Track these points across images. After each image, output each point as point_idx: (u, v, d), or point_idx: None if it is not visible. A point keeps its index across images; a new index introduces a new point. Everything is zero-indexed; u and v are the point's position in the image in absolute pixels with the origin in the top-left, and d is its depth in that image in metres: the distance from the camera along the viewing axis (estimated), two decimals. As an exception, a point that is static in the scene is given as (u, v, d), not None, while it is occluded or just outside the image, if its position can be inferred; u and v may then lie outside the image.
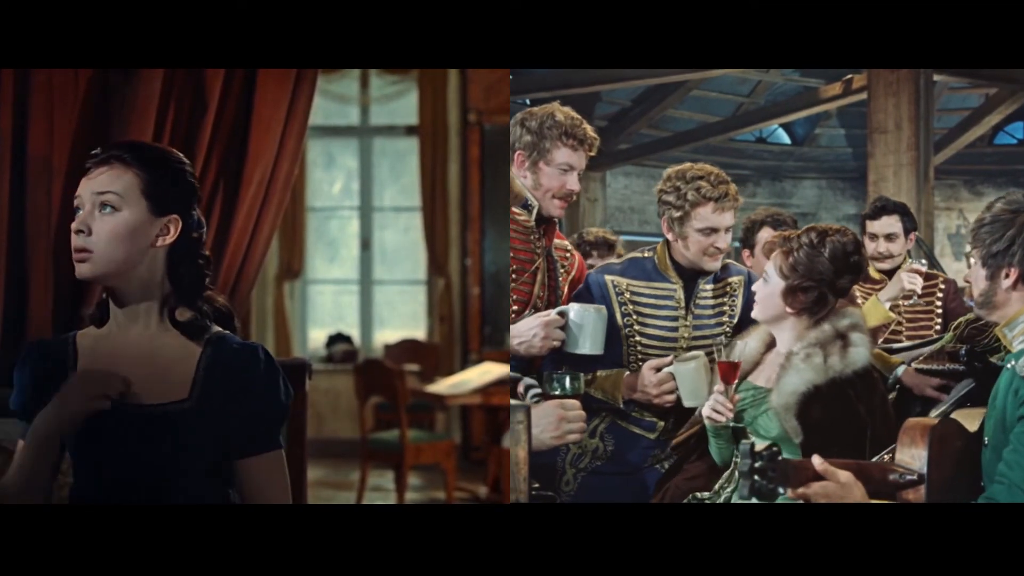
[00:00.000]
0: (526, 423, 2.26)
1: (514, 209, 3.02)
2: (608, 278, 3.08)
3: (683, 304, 3.05)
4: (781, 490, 1.96)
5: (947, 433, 2.22)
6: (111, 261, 1.99)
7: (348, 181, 8.96)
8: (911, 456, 2.14)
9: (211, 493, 2.04)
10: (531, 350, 2.86)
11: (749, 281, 3.05)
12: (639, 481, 3.04)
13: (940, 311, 3.95)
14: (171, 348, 2.03)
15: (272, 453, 2.06)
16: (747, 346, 2.71)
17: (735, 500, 2.64)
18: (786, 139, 11.81)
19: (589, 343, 2.87)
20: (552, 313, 2.87)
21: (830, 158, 11.71)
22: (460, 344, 8.48)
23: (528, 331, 2.85)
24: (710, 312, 3.07)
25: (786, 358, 2.59)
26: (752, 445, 1.95)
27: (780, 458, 1.97)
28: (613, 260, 3.23)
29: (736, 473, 2.69)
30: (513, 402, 2.32)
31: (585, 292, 3.09)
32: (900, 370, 3.16)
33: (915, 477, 2.12)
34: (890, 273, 3.93)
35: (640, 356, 3.03)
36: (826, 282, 2.59)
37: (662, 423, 3.04)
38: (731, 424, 2.62)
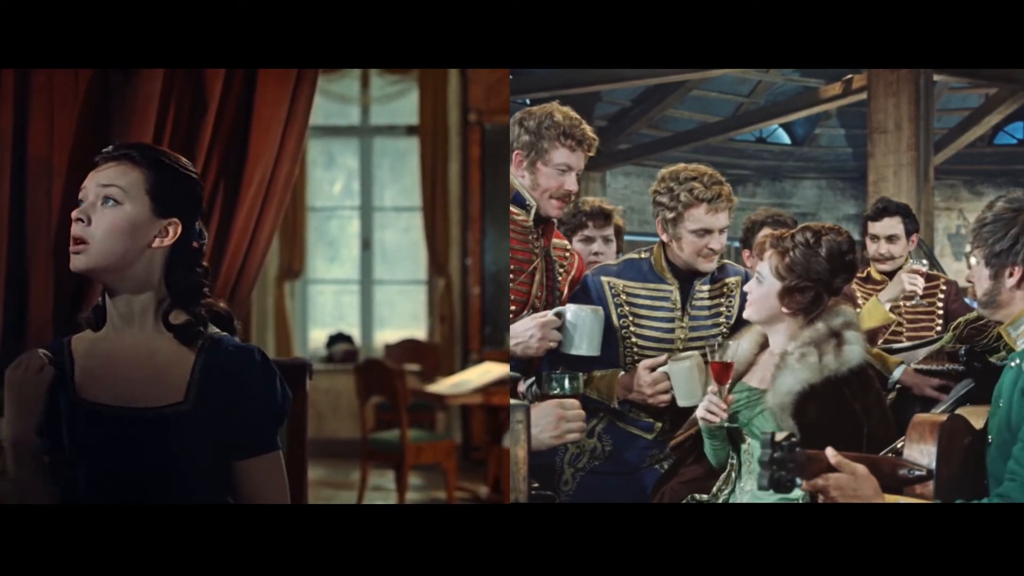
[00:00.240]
0: (526, 423, 2.25)
1: (513, 209, 3.02)
2: (604, 279, 3.08)
3: (679, 305, 3.04)
4: (799, 481, 1.96)
5: (955, 429, 2.22)
6: (107, 254, 1.99)
7: (348, 181, 8.96)
8: (920, 452, 2.14)
9: (209, 495, 2.03)
10: (527, 351, 2.86)
11: (747, 281, 3.05)
12: (637, 481, 3.04)
13: (941, 312, 3.95)
14: (167, 351, 2.03)
15: (270, 455, 2.06)
16: (740, 347, 2.70)
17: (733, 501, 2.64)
18: (786, 139, 11.81)
19: (586, 344, 2.87)
20: (549, 314, 2.87)
21: (830, 158, 11.72)
22: (460, 344, 8.48)
23: (525, 332, 2.85)
24: (707, 313, 3.06)
25: (780, 358, 2.58)
26: (772, 435, 1.94)
27: (798, 449, 1.96)
28: (610, 263, 3.21)
29: (733, 474, 2.69)
30: (513, 402, 2.31)
31: (582, 293, 3.08)
32: (900, 370, 3.16)
33: (924, 473, 2.12)
34: (891, 274, 3.93)
35: (636, 357, 3.02)
36: (822, 282, 2.59)
37: (659, 424, 3.04)
38: (725, 425, 2.61)
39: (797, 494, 2.27)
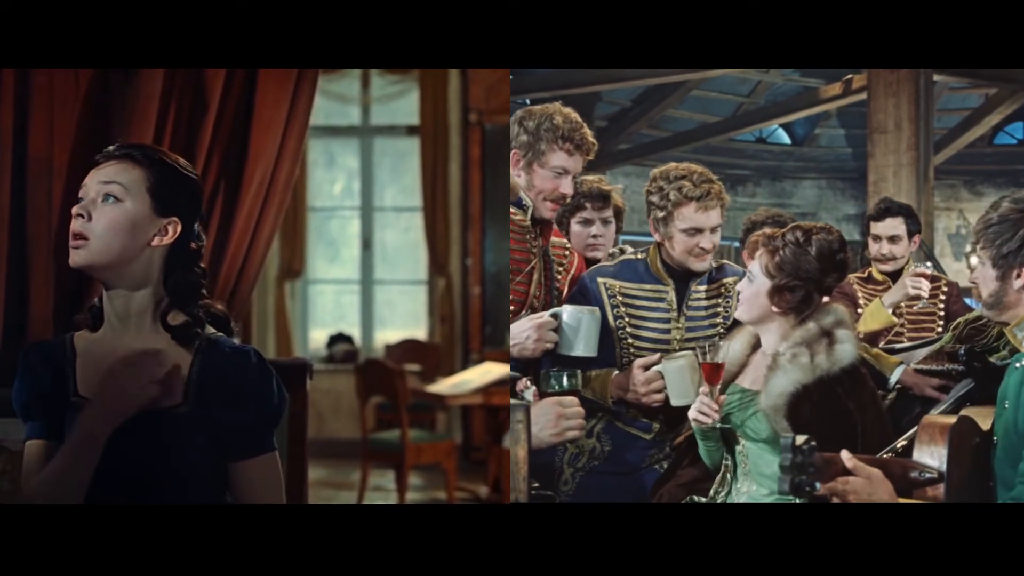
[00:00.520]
0: (526, 423, 2.25)
1: (511, 208, 3.01)
2: (601, 280, 3.07)
3: (675, 306, 3.03)
4: (818, 485, 1.95)
5: (964, 430, 2.22)
6: (107, 250, 1.99)
7: (349, 181, 8.96)
8: (930, 454, 2.14)
9: (207, 496, 2.03)
10: (524, 352, 2.85)
11: None
12: (637, 481, 3.03)
13: (942, 313, 3.94)
14: (164, 352, 2.02)
15: (266, 456, 2.06)
16: (732, 348, 2.69)
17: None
18: (786, 139, 11.80)
19: (582, 345, 2.86)
20: (545, 315, 2.86)
21: (830, 158, 11.71)
22: (461, 344, 8.48)
23: (521, 333, 2.84)
24: (703, 313, 3.05)
25: (772, 359, 2.57)
26: (793, 439, 1.93)
27: (817, 453, 1.96)
28: (607, 264, 3.19)
29: (728, 475, 2.69)
30: (513, 402, 2.31)
31: (578, 294, 3.08)
32: (900, 370, 3.16)
33: (935, 475, 2.11)
34: (892, 275, 3.92)
35: (633, 358, 3.01)
36: (813, 281, 2.57)
37: (656, 424, 3.04)
38: (718, 425, 2.61)
39: None
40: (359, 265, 8.91)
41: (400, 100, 8.64)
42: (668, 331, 3.03)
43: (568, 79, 7.93)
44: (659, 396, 2.90)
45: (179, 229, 2.05)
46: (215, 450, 2.02)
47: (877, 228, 3.97)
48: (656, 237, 3.02)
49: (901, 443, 2.57)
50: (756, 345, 2.70)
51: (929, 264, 3.82)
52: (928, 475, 2.12)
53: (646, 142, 10.75)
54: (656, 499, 2.81)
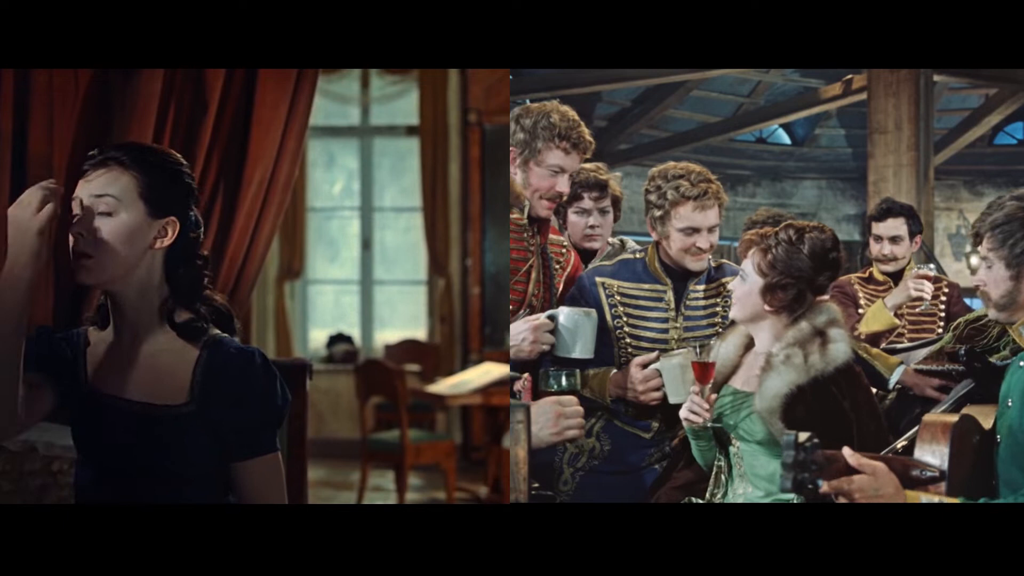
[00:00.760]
0: (526, 423, 2.25)
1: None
2: (599, 280, 3.07)
3: (673, 306, 3.02)
4: (820, 483, 1.95)
5: (966, 429, 2.21)
6: (111, 265, 1.99)
7: (348, 181, 8.96)
8: (932, 453, 2.13)
9: (210, 495, 2.04)
10: (520, 354, 2.84)
11: None
12: (637, 480, 3.03)
13: (943, 314, 3.93)
14: (169, 351, 2.03)
15: (268, 456, 2.06)
16: (724, 349, 2.68)
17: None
18: (786, 139, 11.80)
19: (579, 347, 2.86)
20: (541, 317, 2.86)
21: (830, 158, 11.71)
22: (460, 344, 8.48)
23: (518, 335, 2.84)
24: (702, 313, 3.04)
25: (766, 360, 2.55)
26: (795, 437, 1.92)
27: (820, 451, 1.95)
28: (605, 263, 3.18)
29: (723, 476, 2.68)
30: (513, 402, 2.31)
31: (576, 293, 3.07)
32: (900, 370, 3.16)
33: (936, 474, 2.11)
34: (894, 275, 3.92)
35: (631, 358, 3.00)
36: (805, 279, 2.56)
37: (656, 424, 3.03)
38: (710, 425, 2.60)
39: (791, 495, 2.26)
40: (359, 265, 8.91)
41: (400, 100, 8.64)
42: (666, 331, 3.02)
43: (568, 79, 7.93)
44: (657, 394, 2.90)
45: (178, 228, 2.05)
46: (218, 450, 2.02)
47: (879, 228, 3.96)
48: (654, 236, 3.02)
49: (901, 443, 2.57)
50: (748, 346, 2.69)
51: (932, 266, 3.82)
52: (929, 474, 2.11)
53: (646, 142, 10.75)
54: (654, 501, 2.81)
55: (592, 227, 3.51)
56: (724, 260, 3.16)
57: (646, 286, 3.04)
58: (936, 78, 7.69)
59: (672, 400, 2.83)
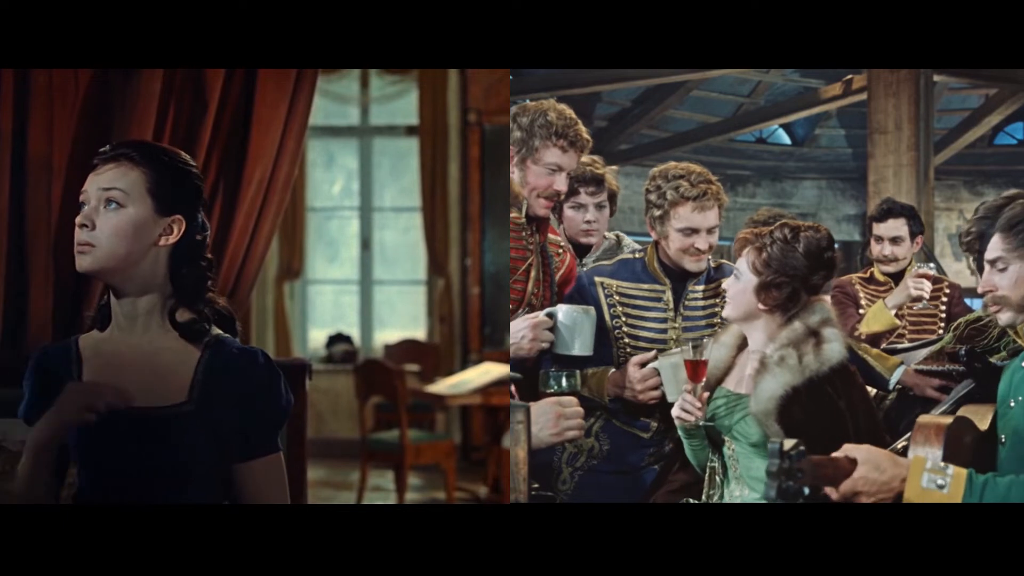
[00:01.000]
0: (526, 423, 2.25)
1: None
2: (598, 279, 3.06)
3: (671, 306, 3.02)
4: (806, 491, 1.94)
5: (960, 431, 2.21)
6: (113, 256, 1.99)
7: (348, 181, 8.96)
8: (926, 455, 2.13)
9: (211, 496, 2.03)
10: (519, 352, 2.84)
11: None
12: (635, 480, 3.03)
13: (944, 315, 3.93)
14: (171, 351, 2.04)
15: (271, 456, 2.06)
16: (716, 351, 2.67)
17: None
18: (786, 139, 11.79)
19: (578, 344, 2.85)
20: (540, 315, 2.86)
21: (830, 158, 11.70)
22: (460, 344, 8.48)
23: (517, 333, 2.84)
24: (701, 313, 3.03)
25: (760, 362, 2.54)
26: (780, 445, 1.91)
27: (806, 457, 1.95)
28: (604, 263, 3.18)
29: (718, 478, 2.68)
30: (513, 402, 2.31)
31: (575, 293, 3.07)
32: (900, 371, 3.15)
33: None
34: (894, 276, 3.92)
35: (629, 358, 2.99)
36: (799, 278, 2.56)
37: (655, 423, 3.03)
38: (702, 423, 2.60)
39: None
40: (358, 265, 8.91)
41: (399, 100, 8.64)
42: (665, 331, 3.02)
43: (568, 79, 7.92)
44: (655, 393, 2.90)
45: (183, 227, 2.05)
46: (219, 450, 2.02)
47: (879, 229, 3.96)
48: (653, 236, 3.02)
49: (901, 444, 2.57)
50: (741, 347, 2.69)
51: (931, 264, 3.81)
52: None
53: (646, 142, 10.74)
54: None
55: (589, 222, 3.50)
56: (724, 260, 3.16)
57: (645, 286, 3.04)
58: (936, 78, 7.68)
59: (670, 399, 2.82)
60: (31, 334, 2.47)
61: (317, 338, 8.94)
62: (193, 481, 2.01)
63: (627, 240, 3.63)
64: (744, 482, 2.59)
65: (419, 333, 8.63)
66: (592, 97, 9.66)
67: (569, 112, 2.98)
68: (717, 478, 2.66)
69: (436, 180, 8.41)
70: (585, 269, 3.19)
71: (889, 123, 7.22)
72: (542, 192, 2.97)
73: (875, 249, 3.98)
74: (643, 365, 2.91)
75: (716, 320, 3.03)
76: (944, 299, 3.94)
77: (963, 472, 2.02)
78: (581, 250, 3.48)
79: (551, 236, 3.14)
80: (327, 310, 9.09)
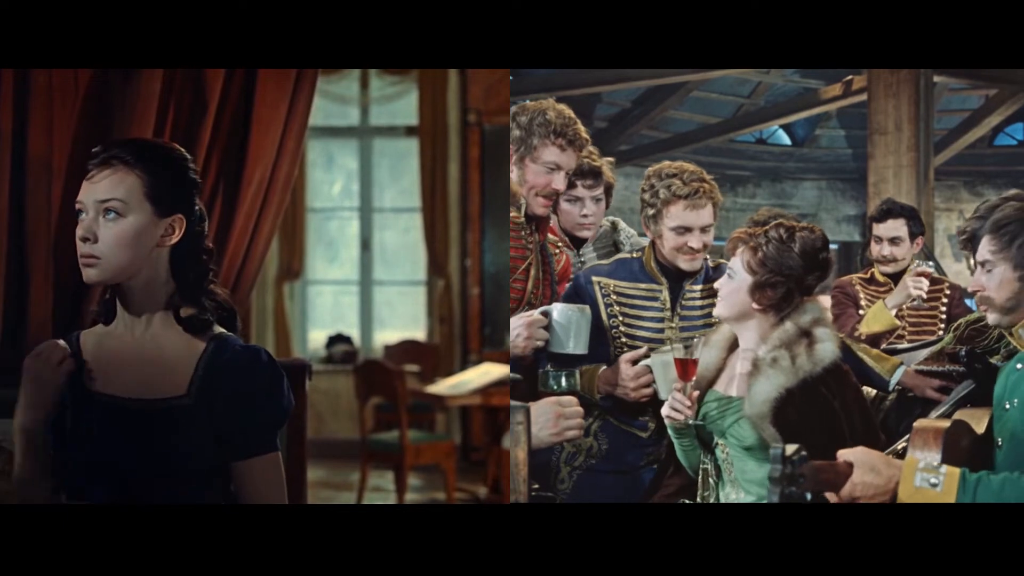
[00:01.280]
0: (526, 424, 2.25)
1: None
2: (595, 279, 3.06)
3: (668, 305, 3.02)
4: (808, 496, 1.94)
5: (957, 434, 2.20)
6: (118, 266, 1.99)
7: (348, 182, 8.96)
8: (924, 458, 2.12)
9: (209, 492, 2.03)
10: (514, 350, 2.84)
11: None
12: (634, 480, 3.03)
13: (944, 316, 3.92)
14: (174, 344, 2.04)
15: (269, 455, 2.06)
16: (707, 353, 2.66)
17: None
18: (786, 140, 11.79)
19: (573, 342, 2.85)
20: (535, 313, 2.86)
21: (830, 159, 11.70)
22: (460, 345, 8.48)
23: (513, 331, 2.84)
24: (698, 313, 3.02)
25: (753, 365, 2.53)
26: (782, 451, 1.91)
27: (807, 463, 1.94)
28: (602, 263, 3.17)
29: (711, 480, 2.67)
30: (513, 403, 2.31)
31: (572, 293, 3.07)
32: (900, 371, 3.15)
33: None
34: (894, 276, 3.92)
35: None
36: (794, 278, 2.55)
37: (653, 423, 3.03)
38: (691, 423, 2.60)
39: None
40: (358, 266, 8.91)
41: (399, 101, 8.64)
42: (662, 330, 3.01)
43: (568, 80, 7.92)
44: (647, 391, 2.89)
45: (184, 225, 2.05)
46: (217, 447, 2.01)
47: (879, 229, 3.96)
48: (648, 235, 3.02)
49: (901, 445, 2.56)
50: (731, 348, 2.68)
51: (930, 263, 3.81)
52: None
53: (646, 143, 10.74)
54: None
55: (585, 216, 3.47)
56: (723, 260, 3.15)
57: (642, 285, 3.04)
58: (936, 79, 7.69)
59: (662, 397, 2.81)
60: (31, 334, 2.46)
61: (317, 339, 8.94)
62: (190, 479, 2.00)
63: (622, 225, 3.60)
64: (739, 485, 2.58)
65: (419, 334, 8.63)
66: (592, 98, 9.66)
67: (568, 112, 2.98)
68: (710, 480, 2.66)
69: (436, 180, 8.41)
70: (583, 269, 3.19)
71: (889, 124, 7.22)
72: (540, 191, 2.97)
73: (874, 249, 3.98)
74: (635, 362, 2.91)
75: (714, 320, 3.02)
76: (945, 300, 3.94)
77: (956, 471, 2.02)
78: (577, 241, 3.47)
79: (550, 236, 3.14)
80: (327, 311, 9.09)
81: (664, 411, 2.62)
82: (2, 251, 2.47)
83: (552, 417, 2.47)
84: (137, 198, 2.00)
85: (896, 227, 3.93)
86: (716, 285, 2.68)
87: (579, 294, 3.04)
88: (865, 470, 2.03)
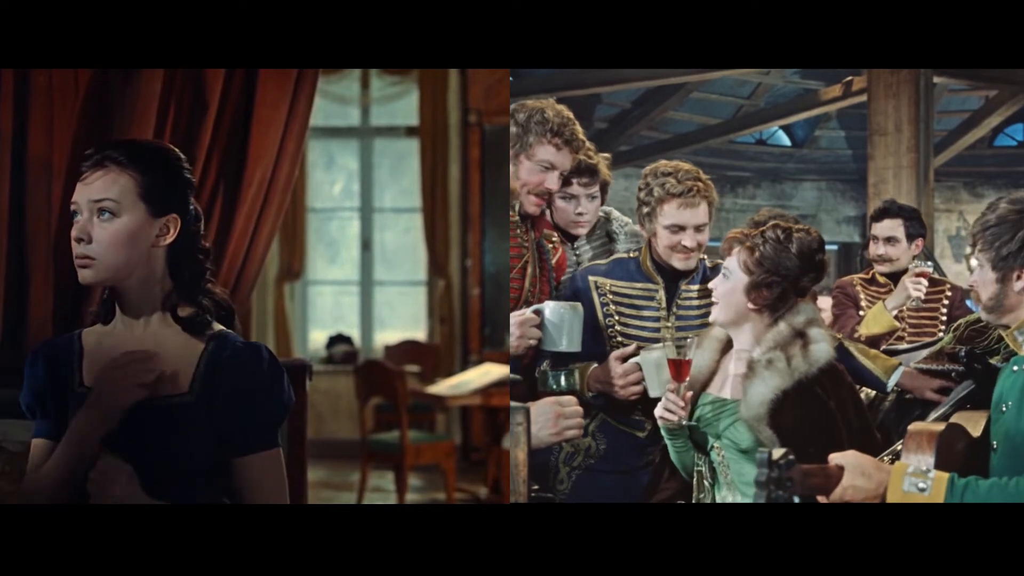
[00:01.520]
0: (526, 425, 2.25)
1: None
2: (592, 279, 3.06)
3: (664, 305, 3.02)
4: (796, 500, 1.94)
5: (952, 437, 2.20)
6: (113, 266, 2.00)
7: (348, 182, 8.96)
8: (918, 462, 2.13)
9: (211, 489, 2.04)
10: (514, 351, 2.84)
11: None
12: (632, 480, 3.03)
13: (944, 317, 3.92)
14: (173, 343, 2.04)
15: (270, 452, 2.06)
16: (700, 356, 2.65)
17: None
18: (786, 141, 11.79)
19: (566, 340, 2.85)
20: (527, 312, 2.86)
21: (830, 160, 11.70)
22: (460, 345, 8.48)
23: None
24: (695, 313, 3.02)
25: (748, 367, 2.53)
26: (769, 454, 1.91)
27: (795, 466, 1.94)
28: (599, 263, 3.17)
29: (706, 482, 2.67)
30: (513, 403, 2.31)
31: (569, 293, 3.07)
32: (899, 372, 3.15)
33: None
34: (893, 276, 3.91)
35: None
36: (791, 279, 2.55)
37: (650, 424, 3.02)
38: (685, 423, 2.59)
39: None
40: (358, 266, 8.91)
41: (399, 101, 8.64)
42: (658, 330, 3.01)
43: (568, 80, 7.92)
44: (637, 388, 2.88)
45: (179, 224, 2.05)
46: (218, 444, 2.02)
47: (875, 228, 3.96)
48: (644, 234, 3.02)
49: (900, 446, 2.56)
50: (724, 351, 2.67)
51: (929, 263, 3.81)
52: None
53: (646, 144, 10.74)
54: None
55: (580, 214, 3.41)
56: (720, 261, 3.15)
57: (639, 285, 3.04)
58: (936, 80, 7.68)
59: (652, 394, 2.81)
60: (31, 334, 2.47)
61: (317, 339, 8.95)
62: (191, 473, 2.01)
63: (616, 214, 3.57)
64: (735, 487, 2.58)
65: (419, 334, 8.63)
66: (592, 99, 9.65)
67: (566, 112, 2.98)
68: (705, 482, 2.65)
69: (436, 181, 8.41)
70: (580, 269, 3.18)
71: (889, 125, 7.22)
72: (533, 188, 2.97)
73: (872, 249, 3.98)
74: (624, 360, 2.90)
75: (710, 321, 3.02)
76: (946, 301, 3.93)
77: (945, 476, 2.03)
78: (571, 238, 3.47)
79: (546, 231, 3.14)
80: (327, 311, 9.09)
81: (657, 412, 2.62)
82: (2, 251, 2.47)
83: (552, 417, 2.47)
84: (131, 198, 2.00)
85: (892, 227, 3.92)
86: (711, 285, 2.67)
87: (576, 295, 3.04)
88: (856, 474, 2.04)
